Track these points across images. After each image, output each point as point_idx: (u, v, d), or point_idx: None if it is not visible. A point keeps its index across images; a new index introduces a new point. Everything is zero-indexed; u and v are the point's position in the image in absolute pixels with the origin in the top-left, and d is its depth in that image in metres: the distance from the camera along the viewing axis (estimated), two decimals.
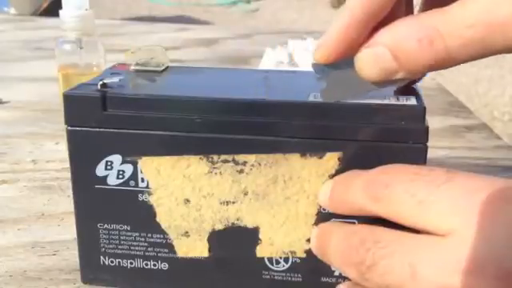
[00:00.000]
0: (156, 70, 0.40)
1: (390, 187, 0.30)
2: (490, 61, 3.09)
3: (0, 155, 0.62)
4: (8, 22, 1.41)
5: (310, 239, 0.35)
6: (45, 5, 2.90)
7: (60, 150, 0.63)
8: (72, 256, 0.43)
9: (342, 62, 0.33)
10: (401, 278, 0.28)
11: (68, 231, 0.47)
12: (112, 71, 0.40)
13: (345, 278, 0.35)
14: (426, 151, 0.33)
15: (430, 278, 0.27)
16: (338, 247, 0.32)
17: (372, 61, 0.32)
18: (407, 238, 0.29)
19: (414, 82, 0.36)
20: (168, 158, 0.36)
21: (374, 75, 0.32)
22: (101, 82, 0.36)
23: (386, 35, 0.31)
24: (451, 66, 0.31)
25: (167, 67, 0.41)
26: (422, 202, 0.28)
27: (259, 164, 0.35)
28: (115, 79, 0.37)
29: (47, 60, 0.86)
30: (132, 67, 0.40)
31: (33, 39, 1.16)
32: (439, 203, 0.28)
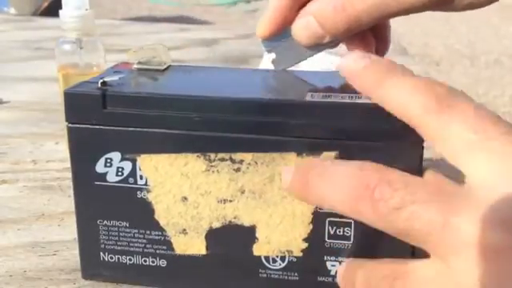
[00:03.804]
0: (158, 69, 0.41)
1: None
2: (490, 61, 3.10)
3: (0, 155, 0.62)
4: (8, 22, 1.41)
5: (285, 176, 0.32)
6: (45, 5, 2.90)
7: (60, 150, 0.63)
8: (72, 256, 0.44)
9: (284, 35, 0.40)
10: (430, 225, 0.26)
11: (68, 231, 0.47)
12: (114, 70, 0.40)
13: None
14: (423, 151, 0.34)
15: (465, 231, 0.25)
16: (347, 183, 0.29)
17: (304, 29, 0.38)
18: (438, 191, 0.27)
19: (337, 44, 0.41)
20: (166, 155, 0.36)
21: (308, 41, 0.38)
22: (101, 80, 0.37)
23: (312, 6, 0.38)
24: (362, 29, 0.37)
25: (169, 66, 0.41)
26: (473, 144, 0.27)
27: (256, 163, 0.35)
28: (115, 77, 0.38)
29: (47, 60, 0.87)
30: (134, 66, 0.41)
31: (33, 39, 1.16)
32: (493, 150, 0.27)
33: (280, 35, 0.40)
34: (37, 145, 0.65)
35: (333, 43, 0.39)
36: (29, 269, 0.43)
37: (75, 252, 0.40)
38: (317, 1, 0.38)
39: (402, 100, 0.29)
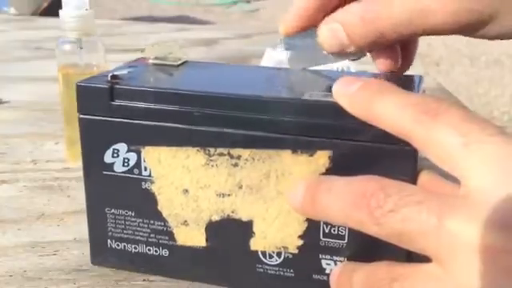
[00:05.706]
0: (172, 65, 0.42)
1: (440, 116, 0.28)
2: (489, 61, 3.10)
3: (0, 155, 0.63)
4: (8, 22, 1.42)
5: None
6: (45, 5, 2.90)
7: (60, 150, 0.63)
8: (72, 256, 0.44)
9: (307, 35, 0.39)
10: (423, 227, 0.26)
11: (68, 231, 0.47)
12: (130, 64, 0.42)
13: None
14: (417, 153, 0.34)
15: (463, 233, 0.25)
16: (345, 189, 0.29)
17: (330, 35, 0.38)
18: (435, 194, 0.28)
19: (361, 57, 0.40)
20: (168, 148, 0.37)
21: (332, 48, 0.38)
22: (111, 74, 0.38)
23: (339, 14, 0.37)
24: (387, 44, 0.37)
25: (184, 62, 0.43)
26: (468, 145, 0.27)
27: (253, 159, 0.36)
28: (125, 71, 0.39)
29: (47, 60, 0.87)
30: (150, 61, 0.42)
31: (33, 39, 1.16)
32: (484, 152, 0.27)
33: (302, 35, 0.40)
34: (37, 145, 0.65)
35: (356, 55, 0.39)
36: (29, 269, 0.43)
37: (75, 252, 0.40)
38: (346, 9, 0.37)
39: (393, 116, 0.29)
